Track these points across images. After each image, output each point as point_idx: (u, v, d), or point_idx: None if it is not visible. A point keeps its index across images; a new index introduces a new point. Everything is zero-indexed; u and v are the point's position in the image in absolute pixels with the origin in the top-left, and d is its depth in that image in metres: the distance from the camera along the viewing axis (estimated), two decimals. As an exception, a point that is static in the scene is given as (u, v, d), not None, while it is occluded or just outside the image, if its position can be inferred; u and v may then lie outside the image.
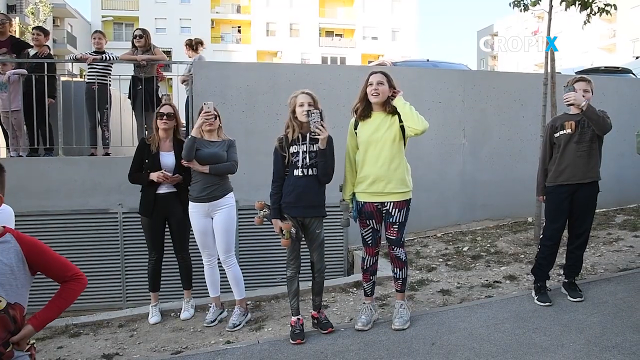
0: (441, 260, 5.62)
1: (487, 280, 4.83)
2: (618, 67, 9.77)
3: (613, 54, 38.90)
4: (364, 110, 3.67)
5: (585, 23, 5.63)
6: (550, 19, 5.75)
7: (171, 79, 8.46)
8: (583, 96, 3.83)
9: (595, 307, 3.90)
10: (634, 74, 9.30)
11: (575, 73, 9.11)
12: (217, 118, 4.22)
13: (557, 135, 4.03)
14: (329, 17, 47.03)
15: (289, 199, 3.59)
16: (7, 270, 1.83)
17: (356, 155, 3.72)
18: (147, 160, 4.29)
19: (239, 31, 46.16)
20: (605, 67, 9.65)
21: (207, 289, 4.43)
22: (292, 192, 3.58)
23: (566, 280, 4.22)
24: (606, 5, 5.48)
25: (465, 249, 5.95)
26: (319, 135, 3.46)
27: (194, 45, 7.25)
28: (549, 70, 5.76)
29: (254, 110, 6.24)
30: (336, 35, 47.56)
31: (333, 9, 47.26)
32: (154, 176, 4.21)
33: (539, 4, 5.70)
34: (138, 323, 4.49)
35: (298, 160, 3.58)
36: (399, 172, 3.61)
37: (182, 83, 6.91)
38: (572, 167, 3.92)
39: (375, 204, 3.66)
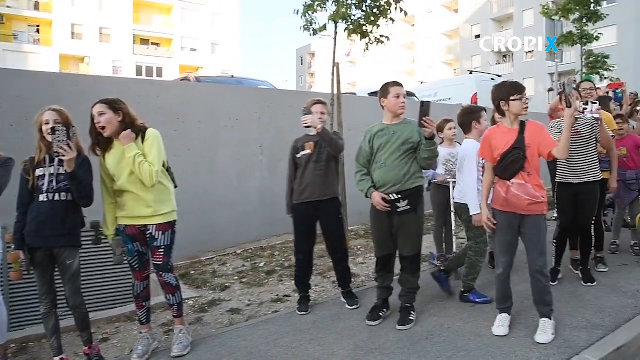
0: (236, 278, 5.60)
1: (277, 295, 4.93)
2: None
3: (412, 77, 44.09)
4: (102, 144, 3.44)
5: (364, 50, 6.18)
6: (335, 44, 6.18)
7: None
8: (320, 118, 4.14)
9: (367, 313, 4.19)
10: (416, 98, 10.51)
11: (369, 94, 10.03)
12: None
13: (299, 155, 4.29)
14: (145, 24, 44.84)
15: (30, 228, 3.23)
16: None
17: (114, 185, 3.49)
18: None
19: (38, 31, 41.10)
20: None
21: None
22: (33, 221, 3.22)
23: (343, 291, 4.50)
24: (381, 36, 6.08)
25: (261, 264, 6.03)
26: (62, 156, 3.15)
27: None
28: (335, 92, 6.16)
29: (26, 125, 5.49)
30: (152, 44, 45.50)
31: (149, 16, 45.22)
32: None
33: (325, 29, 6.08)
34: None
35: (43, 184, 3.24)
36: (159, 194, 3.47)
37: None
38: (311, 186, 4.19)
39: (138, 226, 3.47)
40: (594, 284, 4.53)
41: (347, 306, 4.34)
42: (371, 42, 6.08)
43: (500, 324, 3.62)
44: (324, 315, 4.22)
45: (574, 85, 3.86)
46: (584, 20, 10.39)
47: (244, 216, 6.89)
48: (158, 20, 45.72)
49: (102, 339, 4.09)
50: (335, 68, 6.20)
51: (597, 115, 4.16)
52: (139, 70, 42.90)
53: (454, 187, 5.01)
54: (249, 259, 6.32)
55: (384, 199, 3.80)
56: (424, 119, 3.60)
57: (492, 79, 12.04)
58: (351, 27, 5.94)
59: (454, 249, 5.04)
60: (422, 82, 15.11)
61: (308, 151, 4.24)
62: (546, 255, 3.59)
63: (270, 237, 7.05)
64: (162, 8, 45.79)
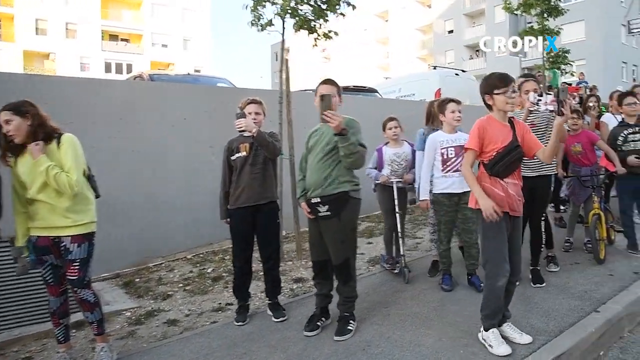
0: (181, 285, 5.35)
1: (220, 304, 4.70)
2: (365, 87, 10.80)
3: (387, 72, 44.09)
4: (14, 150, 3.19)
5: (313, 46, 5.97)
6: (283, 40, 5.95)
7: None
8: (254, 119, 3.95)
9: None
10: (379, 94, 10.33)
11: (327, 91, 9.81)
12: None
13: (233, 157, 4.10)
14: (114, 19, 43.88)
15: None
16: None
17: (25, 192, 3.23)
18: None
19: (-1, 26, 39.87)
20: (354, 86, 10.57)
21: None
22: None
23: (270, 301, 4.26)
24: (329, 31, 5.87)
25: (209, 270, 5.79)
26: None
27: None
28: (284, 88, 5.94)
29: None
30: (122, 39, 44.56)
31: (118, 11, 44.24)
32: None
33: (272, 25, 5.85)
34: None
35: None
36: (76, 203, 3.23)
37: None
38: (248, 189, 3.99)
39: (51, 238, 3.22)
40: (543, 284, 4.42)
41: (274, 319, 4.08)
42: (319, 37, 5.86)
43: (501, 342, 3.22)
44: (261, 326, 4.01)
45: (569, 95, 3.62)
46: (545, 15, 10.35)
47: (195, 219, 6.62)
48: (127, 15, 44.76)
49: (25, 358, 3.81)
50: (284, 64, 5.98)
51: (551, 107, 4.05)
52: (107, 67, 42.05)
53: (398, 188, 4.84)
54: (198, 264, 6.07)
55: (308, 202, 3.68)
56: (324, 113, 3.34)
57: (457, 74, 11.96)
58: (299, 22, 5.71)
59: (401, 251, 4.87)
60: (387, 78, 14.95)
61: (243, 153, 4.04)
62: None
63: (222, 240, 6.79)
64: (131, 3, 44.87)
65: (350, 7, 5.83)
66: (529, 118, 4.25)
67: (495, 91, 3.22)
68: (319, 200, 3.60)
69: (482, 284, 4.23)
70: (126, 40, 44.78)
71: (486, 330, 3.30)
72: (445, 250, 4.53)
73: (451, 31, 44.43)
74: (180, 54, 45.08)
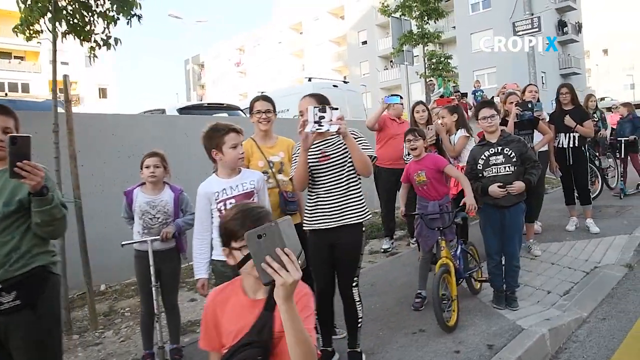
0: None
1: None
2: (223, 104, 9.55)
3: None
4: None
5: (90, 57, 4.65)
6: (55, 50, 4.59)
7: None
8: None
9: None
10: (242, 112, 9.05)
11: (177, 111, 8.47)
12: None
13: None
14: (4, 35, 40.17)
15: None
16: None
17: None
18: None
19: None
20: (208, 104, 9.31)
21: None
22: None
23: None
24: (108, 37, 4.57)
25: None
26: None
27: None
28: (60, 110, 4.54)
29: None
30: (15, 57, 41.02)
31: (8, 26, 40.52)
32: None
33: (39, 32, 4.53)
34: None
35: None
36: None
37: None
38: None
39: None
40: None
41: None
42: (96, 46, 4.53)
43: None
44: None
45: None
46: (425, 18, 9.54)
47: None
48: (20, 31, 41.14)
49: None
50: (65, 80, 4.62)
51: (336, 127, 2.87)
52: (0, 87, 38.41)
53: (154, 251, 3.46)
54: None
55: None
56: (17, 164, 2.10)
57: (335, 86, 10.95)
58: (68, 26, 4.37)
59: (161, 341, 3.46)
60: (261, 93, 13.71)
61: None
62: None
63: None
64: (24, 18, 41.38)
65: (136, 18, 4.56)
66: (319, 146, 3.16)
67: (233, 244, 1.74)
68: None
69: None
70: (21, 57, 41.24)
71: None
72: None
73: (365, 42, 44.37)
74: (82, 71, 42.01)
